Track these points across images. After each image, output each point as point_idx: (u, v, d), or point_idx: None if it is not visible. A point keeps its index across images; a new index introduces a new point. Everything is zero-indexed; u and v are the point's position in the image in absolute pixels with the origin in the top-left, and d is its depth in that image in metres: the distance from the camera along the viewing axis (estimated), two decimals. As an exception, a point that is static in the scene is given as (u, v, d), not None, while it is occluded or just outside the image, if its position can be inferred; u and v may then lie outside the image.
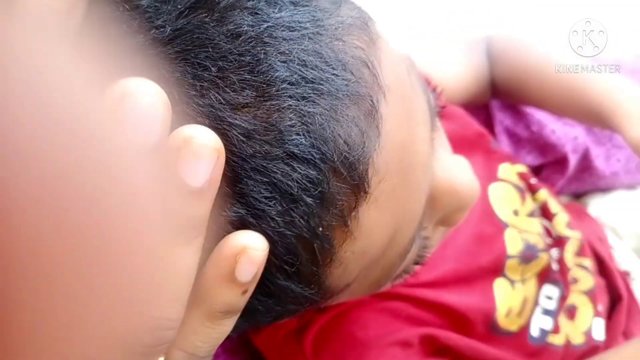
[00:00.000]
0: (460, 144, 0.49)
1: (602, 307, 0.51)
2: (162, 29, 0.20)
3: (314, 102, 0.21)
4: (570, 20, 0.45)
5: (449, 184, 0.28)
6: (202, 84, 0.20)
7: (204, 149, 0.18)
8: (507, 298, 0.46)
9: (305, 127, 0.20)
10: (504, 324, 0.46)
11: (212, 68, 0.20)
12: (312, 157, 0.21)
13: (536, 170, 0.61)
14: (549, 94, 0.53)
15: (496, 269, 0.47)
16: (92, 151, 0.12)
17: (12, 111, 0.10)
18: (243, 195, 0.20)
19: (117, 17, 0.20)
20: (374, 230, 0.24)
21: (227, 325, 0.21)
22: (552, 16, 0.75)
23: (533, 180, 0.54)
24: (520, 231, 0.49)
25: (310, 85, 0.21)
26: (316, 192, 0.21)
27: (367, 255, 0.25)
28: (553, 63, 0.52)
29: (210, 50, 0.20)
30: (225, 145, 0.19)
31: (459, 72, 0.57)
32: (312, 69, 0.21)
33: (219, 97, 0.20)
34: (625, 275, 0.56)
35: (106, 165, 0.12)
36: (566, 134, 0.60)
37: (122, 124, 0.16)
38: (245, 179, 0.20)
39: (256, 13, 0.21)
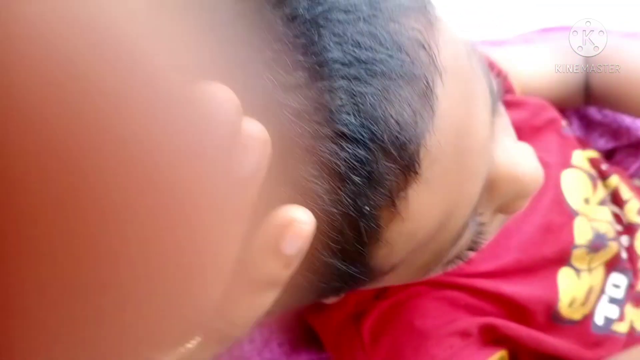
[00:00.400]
0: (530, 132, 0.48)
1: None
2: (224, 11, 0.20)
3: (366, 82, 0.21)
4: (570, 20, 0.46)
5: (509, 170, 0.28)
6: (257, 66, 0.20)
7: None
8: (571, 287, 0.46)
9: (355, 107, 0.21)
10: (566, 313, 0.46)
11: (267, 51, 0.20)
12: (361, 137, 0.21)
13: (608, 154, 0.59)
14: None
15: (562, 259, 0.46)
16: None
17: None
18: (291, 174, 0.21)
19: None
20: (424, 213, 0.24)
21: (268, 298, 0.21)
22: (552, 16, 0.72)
23: (604, 166, 0.53)
24: (590, 220, 0.48)
25: (364, 65, 0.21)
26: (364, 171, 0.21)
27: (416, 238, 0.25)
28: None
29: (266, 32, 0.20)
30: (275, 126, 0.19)
31: (543, 72, 0.55)
32: (366, 50, 0.21)
33: (272, 79, 0.20)
34: None
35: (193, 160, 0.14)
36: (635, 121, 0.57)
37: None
38: (293, 158, 0.21)
39: None
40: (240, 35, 0.20)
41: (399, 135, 0.21)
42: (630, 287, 0.49)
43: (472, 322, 0.42)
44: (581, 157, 0.52)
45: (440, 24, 0.24)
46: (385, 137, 0.21)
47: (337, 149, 0.21)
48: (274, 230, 0.20)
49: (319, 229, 0.21)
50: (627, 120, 0.57)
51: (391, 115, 0.21)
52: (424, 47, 0.22)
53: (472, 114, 0.25)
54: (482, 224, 0.29)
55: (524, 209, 0.42)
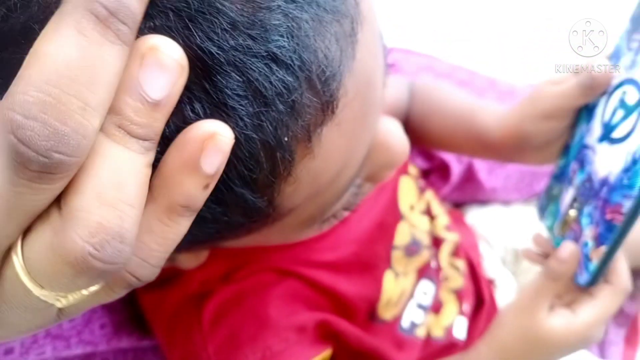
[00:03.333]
0: None
1: (467, 307, 0.55)
2: None
3: (302, 8, 0.20)
4: (570, 20, 0.44)
5: (386, 139, 0.29)
6: None
7: (168, 61, 0.17)
8: (391, 288, 0.48)
9: (290, 31, 0.20)
10: (381, 312, 0.48)
11: None
12: (292, 63, 0.20)
13: (423, 175, 0.64)
14: (448, 125, 0.55)
15: (387, 258, 0.49)
16: None
17: None
18: (216, 89, 0.19)
19: None
20: (331, 154, 0.24)
21: (183, 225, 0.20)
22: (552, 16, 0.79)
23: (420, 182, 0.57)
24: (411, 225, 0.52)
25: None
26: (289, 99, 0.20)
27: (319, 180, 0.25)
28: (456, 98, 0.55)
29: None
30: (207, 32, 0.18)
31: (390, 95, 0.56)
32: None
33: None
34: (490, 282, 0.61)
35: None
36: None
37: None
38: (221, 73, 0.19)
39: None
40: None
41: (325, 69, 0.21)
42: (435, 295, 0.53)
43: (310, 317, 0.43)
44: (412, 168, 0.56)
45: None
46: (314, 67, 0.21)
47: (267, 70, 0.20)
48: (193, 144, 0.18)
49: (235, 154, 0.20)
50: None
51: (320, 48, 0.21)
52: None
53: (377, 69, 0.25)
54: (359, 186, 0.30)
55: (363, 206, 0.44)
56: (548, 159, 0.46)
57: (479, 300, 0.58)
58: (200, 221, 0.21)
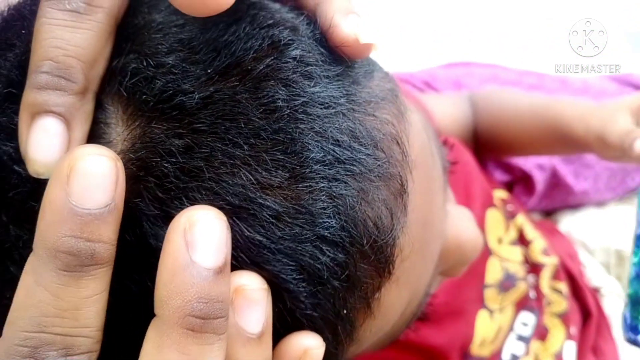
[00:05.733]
0: (462, 175, 0.49)
1: (574, 330, 0.53)
2: (190, 95, 0.19)
3: (345, 183, 0.20)
4: (570, 20, 0.46)
5: (456, 242, 0.28)
6: (232, 162, 0.19)
7: (256, 295, 0.18)
8: (485, 328, 0.47)
9: (336, 210, 0.20)
10: (476, 352, 0.47)
11: (244, 146, 0.19)
12: (341, 240, 0.20)
13: (506, 188, 0.62)
14: (522, 121, 0.54)
15: (479, 299, 0.47)
16: None
17: None
18: (272, 276, 0.19)
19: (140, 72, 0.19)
20: (392, 308, 0.24)
21: None
22: (552, 16, 0.76)
23: (510, 207, 0.55)
24: (502, 259, 0.50)
25: (343, 166, 0.20)
26: (343, 275, 0.20)
27: (382, 332, 0.25)
28: (525, 97, 0.55)
29: (243, 125, 0.19)
30: (253, 226, 0.19)
31: (452, 114, 0.57)
32: (345, 149, 0.20)
33: (250, 177, 0.19)
34: (595, 291, 0.58)
35: None
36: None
37: None
38: (273, 262, 0.19)
39: (290, 86, 0.20)
40: (209, 125, 0.19)
41: (377, 239, 0.21)
42: (537, 324, 0.51)
43: None
44: (498, 196, 0.54)
45: (408, 113, 0.24)
46: (364, 240, 0.20)
47: (317, 252, 0.20)
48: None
49: None
50: (512, 160, 0.61)
51: (369, 217, 0.21)
52: (397, 143, 0.22)
53: (433, 203, 0.25)
54: (430, 295, 0.29)
55: None
56: None
57: (586, 313, 0.55)
58: None
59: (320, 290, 0.20)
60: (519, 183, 0.62)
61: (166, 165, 0.18)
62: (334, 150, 0.20)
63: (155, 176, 0.18)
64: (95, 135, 0.19)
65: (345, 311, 0.21)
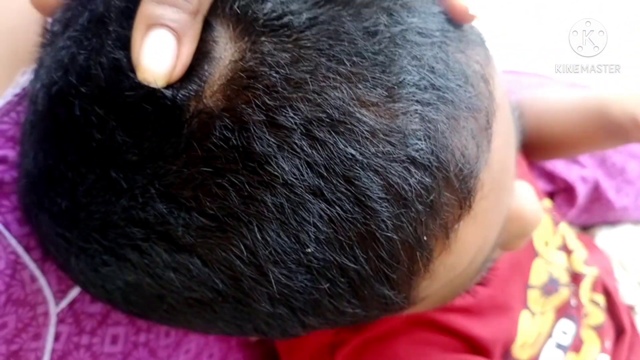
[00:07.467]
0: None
1: (609, 344, 0.52)
2: (297, 15, 0.20)
3: (438, 109, 0.21)
4: (570, 20, 0.46)
5: (518, 212, 0.29)
6: (335, 77, 0.20)
7: None
8: (527, 329, 0.47)
9: (427, 133, 0.20)
10: (517, 353, 0.46)
11: (347, 63, 0.20)
12: (429, 164, 0.21)
13: (548, 197, 0.61)
14: (566, 109, 0.53)
15: (522, 299, 0.47)
16: None
17: None
18: (360, 193, 0.20)
19: None
20: (466, 247, 0.24)
21: None
22: (552, 16, 0.77)
23: (555, 216, 0.55)
24: (547, 262, 0.50)
25: (436, 92, 0.21)
26: (428, 199, 0.21)
27: (454, 271, 0.25)
28: (566, 93, 0.54)
29: (346, 44, 0.20)
30: (349, 140, 0.19)
31: None
32: (439, 76, 0.21)
33: (351, 92, 0.20)
34: (629, 309, 0.57)
35: None
36: (569, 167, 0.61)
37: None
38: (363, 177, 0.20)
39: (391, 14, 0.21)
40: (314, 42, 0.20)
41: (462, 167, 0.21)
42: (576, 334, 0.50)
43: (444, 359, 0.42)
44: (547, 201, 0.54)
45: (494, 61, 0.25)
46: (451, 167, 0.21)
47: (406, 173, 0.20)
48: None
49: (376, 254, 0.21)
50: (558, 165, 0.60)
51: (457, 146, 0.21)
52: (485, 81, 0.23)
53: (510, 151, 0.25)
54: (493, 260, 0.29)
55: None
56: None
57: (620, 330, 0.55)
58: (340, 314, 0.22)
59: (404, 212, 0.21)
60: (561, 194, 0.62)
61: (274, 75, 0.19)
62: (429, 76, 0.21)
63: (263, 84, 0.19)
64: (204, 52, 0.20)
65: (425, 238, 0.21)
